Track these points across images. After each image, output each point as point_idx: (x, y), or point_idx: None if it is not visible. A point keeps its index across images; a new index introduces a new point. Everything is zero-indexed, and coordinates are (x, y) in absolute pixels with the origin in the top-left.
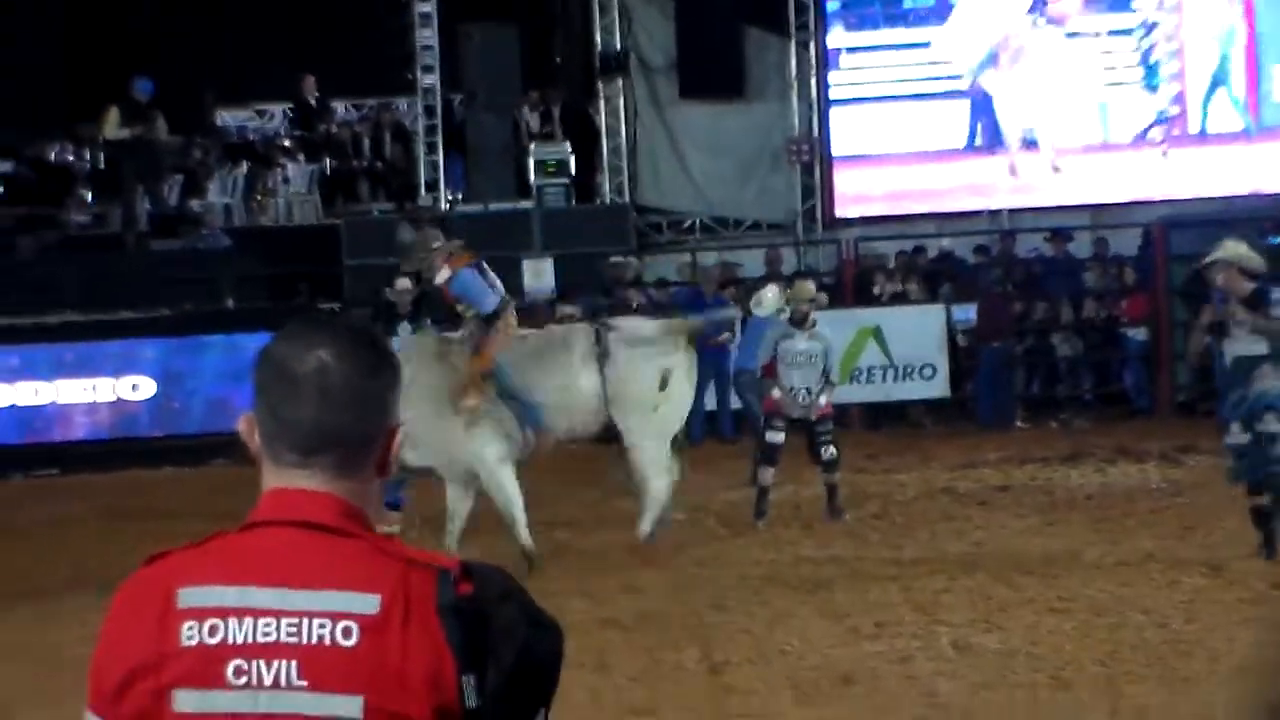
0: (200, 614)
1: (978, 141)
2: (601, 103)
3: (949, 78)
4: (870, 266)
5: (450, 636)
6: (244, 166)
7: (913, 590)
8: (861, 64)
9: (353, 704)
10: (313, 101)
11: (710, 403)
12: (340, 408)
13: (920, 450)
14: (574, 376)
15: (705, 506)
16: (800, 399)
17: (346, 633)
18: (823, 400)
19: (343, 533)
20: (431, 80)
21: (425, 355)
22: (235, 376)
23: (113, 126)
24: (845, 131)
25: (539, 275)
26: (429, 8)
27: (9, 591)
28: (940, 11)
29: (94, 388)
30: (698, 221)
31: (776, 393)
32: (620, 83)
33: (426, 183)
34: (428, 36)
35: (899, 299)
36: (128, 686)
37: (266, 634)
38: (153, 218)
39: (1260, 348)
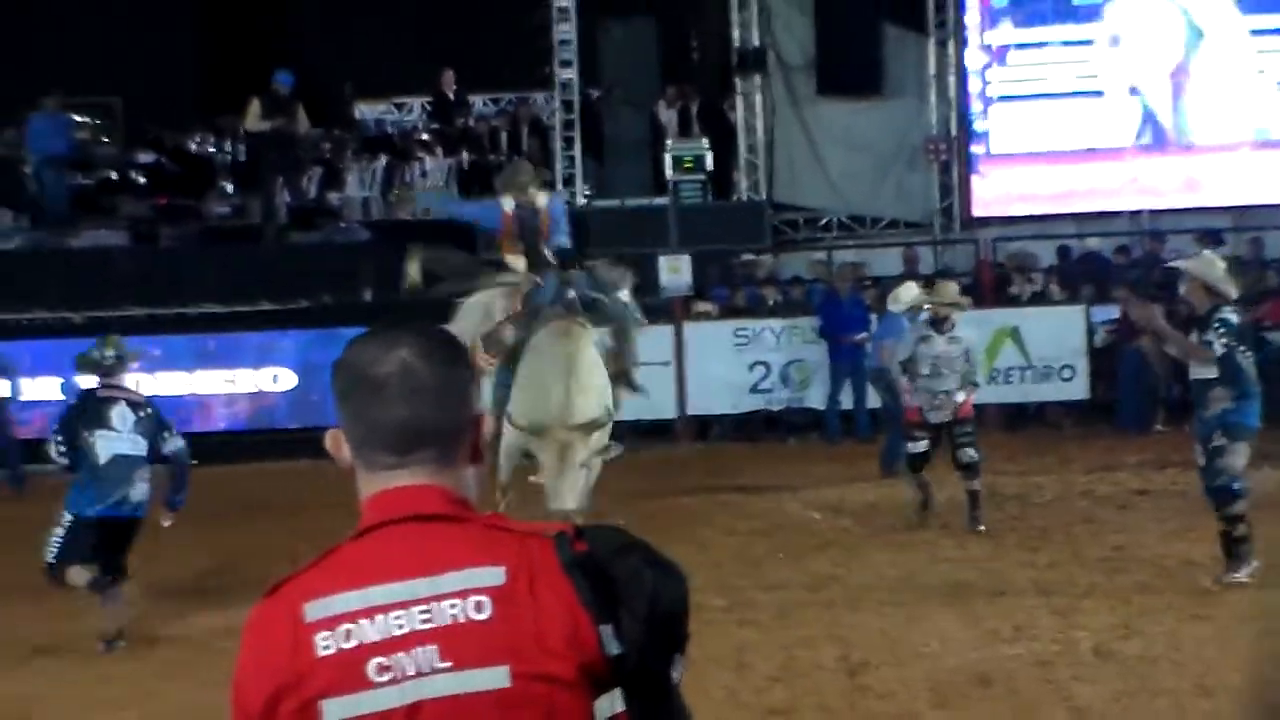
0: (331, 623)
1: (1145, 139)
2: (739, 99)
3: (1111, 76)
4: (1011, 267)
5: (580, 593)
6: (382, 160)
7: (1051, 594)
8: (1029, 60)
9: (498, 674)
10: (451, 95)
11: (847, 402)
12: (428, 404)
13: (1058, 452)
14: None
15: (841, 506)
16: (937, 402)
17: (479, 607)
18: (960, 397)
19: (452, 518)
20: (569, 75)
21: None
22: None
23: (254, 118)
24: (1005, 129)
25: (676, 272)
26: (568, 2)
27: (151, 581)
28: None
29: (233, 379)
30: (834, 220)
31: (915, 402)
32: (758, 79)
33: (563, 177)
34: (566, 31)
35: (1038, 299)
36: (271, 711)
37: (400, 626)
38: (292, 210)
39: (1211, 371)
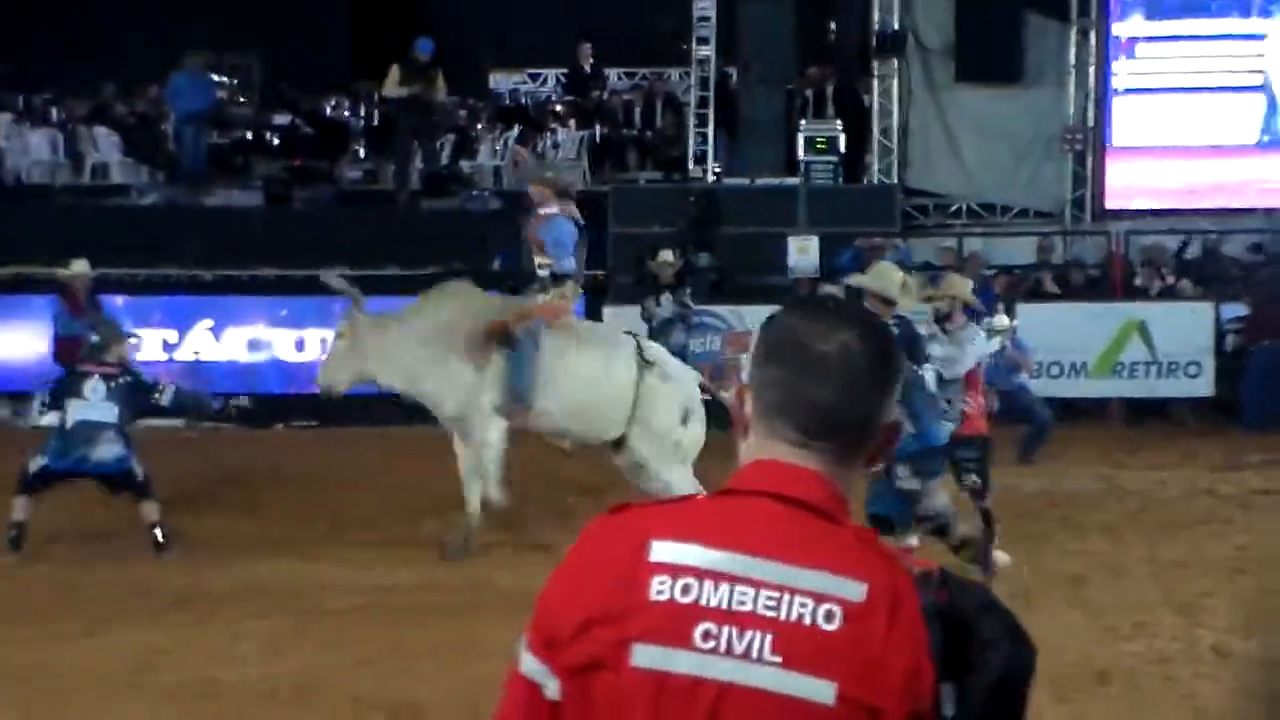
0: (674, 570)
1: (1265, 138)
2: (875, 82)
3: (1247, 71)
4: (1142, 260)
5: (933, 642)
6: (515, 130)
7: (1173, 592)
8: (1158, 54)
9: (825, 689)
10: (587, 68)
11: None
12: (857, 393)
13: (1181, 449)
14: (611, 380)
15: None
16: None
17: (829, 616)
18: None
19: (830, 516)
20: (707, 52)
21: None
22: None
23: (392, 84)
24: (1129, 122)
25: (804, 253)
26: None
27: (273, 541)
28: (1242, 4)
29: None
30: (964, 206)
31: None
32: (895, 63)
33: (695, 154)
34: (705, 8)
35: (1167, 294)
36: (584, 632)
37: (742, 602)
38: (424, 177)
39: None
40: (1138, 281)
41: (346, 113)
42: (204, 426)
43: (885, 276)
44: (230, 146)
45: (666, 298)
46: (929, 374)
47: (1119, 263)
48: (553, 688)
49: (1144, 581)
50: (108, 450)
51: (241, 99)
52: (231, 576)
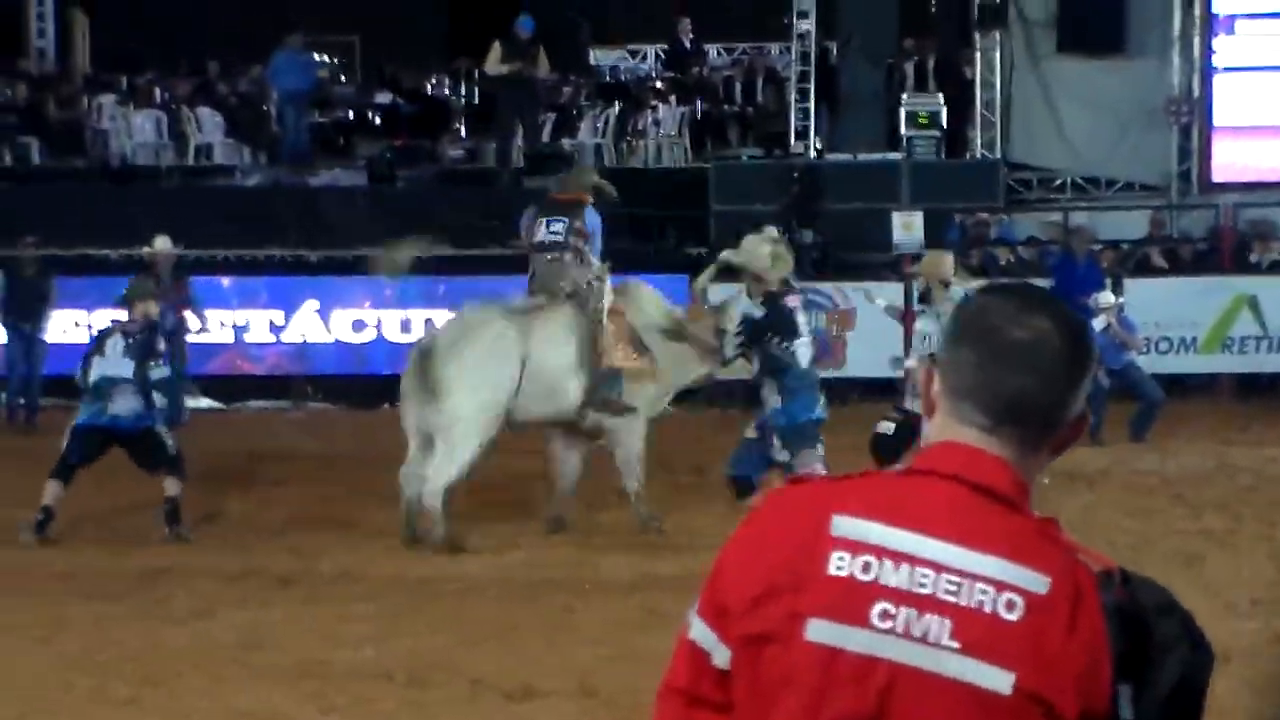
0: (854, 547)
1: None
2: (977, 55)
3: None
4: (1250, 232)
5: (1113, 641)
6: (616, 107)
7: None
8: (1258, 31)
9: (1003, 679)
10: (687, 44)
11: None
12: (1048, 383)
13: None
14: None
15: (1075, 471)
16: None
17: (1010, 605)
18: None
19: (1013, 504)
20: (807, 26)
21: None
22: None
23: (494, 62)
24: (1231, 99)
25: (909, 229)
26: None
27: (380, 522)
28: None
29: None
30: (1068, 180)
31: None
32: (997, 35)
33: (796, 130)
34: None
35: (1278, 268)
36: (760, 604)
37: (922, 585)
38: (526, 155)
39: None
40: (1253, 258)
41: (447, 91)
42: (310, 407)
43: (753, 252)
44: (332, 126)
45: None
46: (802, 351)
47: (1229, 235)
48: (721, 656)
49: (1260, 559)
50: (124, 405)
51: (343, 78)
52: (338, 558)
